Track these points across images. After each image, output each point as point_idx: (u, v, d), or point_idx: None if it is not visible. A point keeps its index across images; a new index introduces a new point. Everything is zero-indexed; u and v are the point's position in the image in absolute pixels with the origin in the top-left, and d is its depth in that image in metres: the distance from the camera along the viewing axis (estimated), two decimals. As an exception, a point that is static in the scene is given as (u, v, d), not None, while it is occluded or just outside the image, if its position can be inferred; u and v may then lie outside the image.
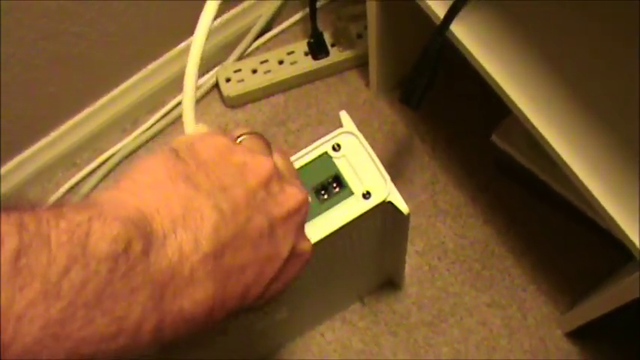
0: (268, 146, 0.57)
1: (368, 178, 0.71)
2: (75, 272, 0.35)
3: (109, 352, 0.38)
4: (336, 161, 0.72)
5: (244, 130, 0.56)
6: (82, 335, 0.36)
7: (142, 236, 0.40)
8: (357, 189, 0.71)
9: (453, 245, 1.18)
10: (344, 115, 0.74)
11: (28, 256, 0.34)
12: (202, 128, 0.57)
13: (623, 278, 0.84)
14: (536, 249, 1.15)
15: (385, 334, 1.14)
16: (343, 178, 0.71)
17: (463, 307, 1.14)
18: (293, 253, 0.52)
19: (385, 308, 1.15)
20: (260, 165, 0.51)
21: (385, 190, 0.70)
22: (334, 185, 0.71)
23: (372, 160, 0.72)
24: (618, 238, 0.75)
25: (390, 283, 1.14)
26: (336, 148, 0.72)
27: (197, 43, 0.62)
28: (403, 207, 0.71)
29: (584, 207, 1.01)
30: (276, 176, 0.52)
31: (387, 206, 0.71)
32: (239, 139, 0.55)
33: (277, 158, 0.56)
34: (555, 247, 1.15)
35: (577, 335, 1.09)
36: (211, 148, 0.50)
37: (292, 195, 0.53)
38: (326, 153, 0.72)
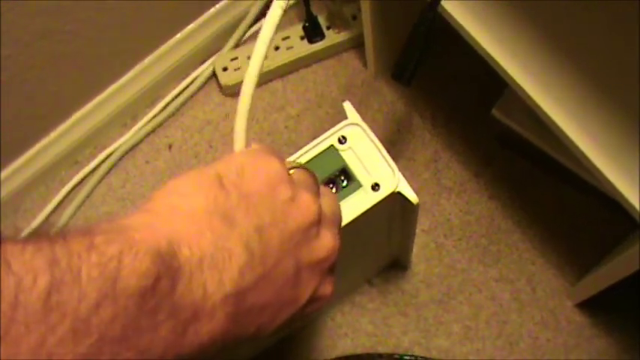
0: (317, 184, 0.56)
1: (376, 170, 0.71)
2: (104, 308, 0.35)
3: None
4: (343, 154, 0.72)
5: (296, 163, 0.55)
6: None
7: (170, 272, 0.39)
8: (366, 181, 0.71)
9: (458, 222, 1.18)
10: (348, 107, 0.74)
11: (60, 293, 0.33)
12: (253, 145, 0.53)
13: (630, 247, 0.84)
14: (543, 221, 1.16)
15: (395, 315, 1.14)
16: (351, 171, 0.71)
17: (472, 283, 1.14)
18: (312, 298, 0.51)
19: (394, 288, 1.15)
20: (306, 207, 0.49)
21: (394, 180, 0.70)
22: (342, 178, 0.71)
23: (379, 150, 0.72)
24: (624, 206, 0.76)
25: (397, 263, 1.15)
26: (342, 140, 0.72)
27: (255, 63, 0.55)
28: (412, 197, 0.71)
29: (588, 176, 1.01)
30: (317, 221, 0.51)
31: (396, 196, 0.71)
32: (291, 170, 0.52)
33: (324, 201, 0.54)
34: (562, 219, 1.15)
35: (588, 306, 1.10)
36: (262, 176, 0.48)
37: (327, 244, 0.51)
38: (332, 146, 0.72)
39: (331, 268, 0.53)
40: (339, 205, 0.58)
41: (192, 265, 0.41)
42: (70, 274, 0.34)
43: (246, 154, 0.51)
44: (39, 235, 0.36)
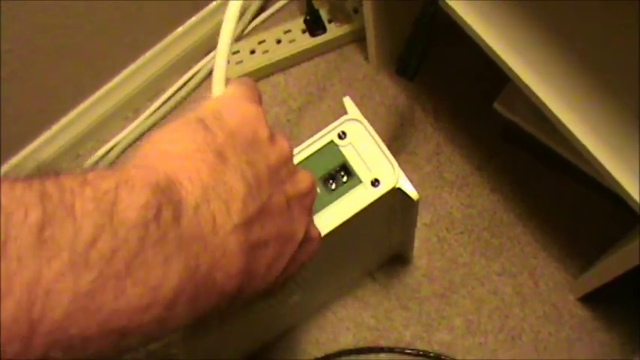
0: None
1: (376, 165, 0.71)
2: (103, 241, 0.34)
3: (143, 324, 0.37)
4: (343, 149, 0.72)
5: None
6: (113, 307, 0.35)
7: (172, 203, 0.39)
8: (366, 177, 0.70)
9: (460, 215, 1.18)
10: (348, 102, 0.74)
11: (53, 226, 0.33)
12: (230, 86, 0.54)
13: (632, 241, 0.84)
14: (546, 215, 1.15)
15: (397, 309, 1.14)
16: (351, 167, 0.71)
17: (474, 277, 1.14)
18: (306, 238, 0.52)
19: (395, 282, 1.15)
20: (282, 143, 0.51)
21: (394, 176, 0.70)
22: (342, 174, 0.71)
23: (379, 146, 0.71)
24: (626, 200, 0.76)
25: (399, 257, 1.15)
26: (342, 136, 0.72)
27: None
28: (412, 193, 0.71)
29: (591, 170, 1.01)
30: (292, 157, 0.52)
31: (396, 192, 0.71)
32: None
33: None
34: (565, 212, 1.15)
35: (590, 299, 1.10)
36: (239, 116, 0.48)
37: (305, 177, 0.53)
38: (332, 142, 0.72)
39: (311, 206, 0.54)
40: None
41: (196, 196, 0.41)
42: (63, 208, 0.34)
43: (223, 98, 0.52)
44: (29, 174, 0.35)
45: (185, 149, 0.44)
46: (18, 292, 0.31)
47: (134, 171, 0.39)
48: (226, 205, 0.43)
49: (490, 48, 0.81)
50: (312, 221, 0.55)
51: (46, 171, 0.36)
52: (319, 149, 0.72)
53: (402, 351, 1.11)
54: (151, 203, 0.37)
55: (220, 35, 0.55)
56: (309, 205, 0.54)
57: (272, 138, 0.50)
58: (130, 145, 1.27)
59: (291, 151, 0.52)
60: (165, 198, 0.38)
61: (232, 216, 0.43)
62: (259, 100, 0.53)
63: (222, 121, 0.47)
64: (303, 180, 0.52)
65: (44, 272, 0.32)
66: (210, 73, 1.30)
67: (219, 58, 0.55)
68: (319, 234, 0.56)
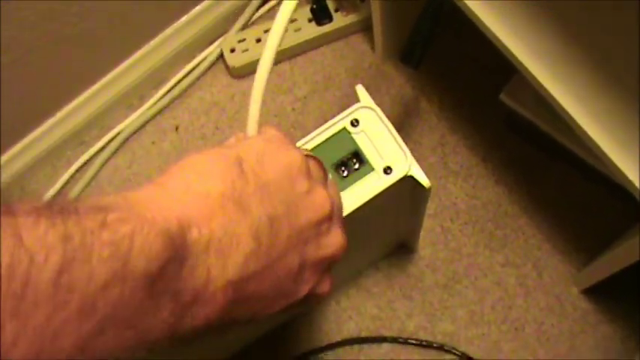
0: (326, 175, 0.56)
1: (388, 153, 0.71)
2: (112, 289, 0.35)
3: (124, 358, 0.38)
4: (355, 137, 0.71)
5: (309, 152, 0.55)
6: (106, 347, 0.36)
7: (178, 255, 0.40)
8: (378, 164, 0.70)
9: (465, 206, 1.18)
10: (360, 90, 0.74)
11: (71, 272, 0.33)
12: (270, 131, 0.54)
13: (637, 234, 0.84)
14: (550, 207, 1.15)
15: (400, 299, 1.14)
16: (363, 154, 0.71)
17: (477, 267, 1.14)
18: (309, 294, 0.51)
19: (399, 272, 1.15)
20: (320, 202, 0.50)
21: (406, 164, 0.70)
22: (354, 161, 0.71)
23: (392, 134, 0.71)
24: (631, 193, 0.76)
25: (403, 246, 1.15)
26: (355, 123, 0.72)
27: (274, 35, 0.59)
28: (425, 181, 0.71)
29: (596, 162, 1.01)
30: (330, 217, 0.51)
31: (408, 180, 0.71)
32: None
33: (332, 192, 0.54)
34: (569, 204, 1.15)
35: (593, 292, 1.10)
36: (282, 166, 0.48)
37: (337, 242, 0.52)
38: (344, 129, 0.72)
39: (332, 266, 0.54)
40: (340, 197, 0.59)
41: (199, 247, 0.41)
42: (82, 252, 0.34)
43: (267, 140, 0.51)
44: (51, 206, 0.35)
45: (209, 189, 0.44)
46: (30, 335, 0.32)
47: (150, 214, 0.39)
48: (224, 260, 0.43)
49: (497, 38, 0.80)
50: (327, 276, 0.54)
51: (67, 204, 0.36)
52: (332, 136, 0.72)
53: (405, 341, 1.11)
54: (162, 255, 0.38)
55: (256, 75, 0.55)
56: (329, 266, 0.53)
57: (311, 192, 0.49)
58: (134, 133, 1.26)
59: (331, 207, 0.51)
60: (174, 249, 0.39)
61: (228, 271, 0.43)
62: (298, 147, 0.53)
63: (261, 168, 0.47)
64: (334, 244, 0.52)
65: (55, 316, 0.33)
66: (215, 62, 1.30)
67: (255, 97, 0.56)
68: (329, 289, 0.55)
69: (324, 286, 0.54)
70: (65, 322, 0.33)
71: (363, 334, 1.13)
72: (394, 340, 1.12)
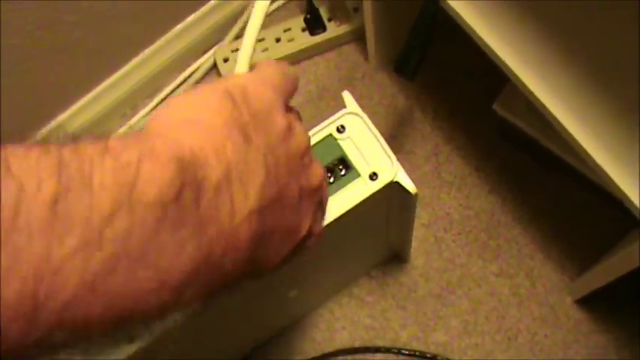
0: (299, 114, 0.55)
1: (374, 159, 0.71)
2: (119, 219, 0.32)
3: (149, 309, 0.34)
4: (341, 143, 0.71)
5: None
6: (122, 290, 0.32)
7: (195, 182, 0.36)
8: (364, 170, 0.70)
9: (458, 216, 1.17)
10: (347, 96, 0.74)
11: (68, 201, 0.30)
12: (259, 69, 0.51)
13: (630, 244, 0.84)
14: (544, 217, 1.15)
15: (393, 308, 1.14)
16: (349, 160, 0.71)
17: (471, 277, 1.14)
18: (308, 232, 0.50)
19: (392, 282, 1.15)
20: (302, 134, 0.49)
21: (392, 170, 0.70)
22: (340, 167, 0.71)
23: (378, 140, 0.71)
24: (624, 203, 0.76)
25: (397, 257, 1.14)
26: (341, 129, 0.72)
27: None
28: (410, 187, 0.70)
29: (588, 171, 1.01)
30: (309, 148, 0.50)
31: (394, 186, 0.71)
32: None
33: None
34: (563, 214, 1.15)
35: (587, 302, 1.09)
36: (264, 99, 0.46)
37: (319, 172, 0.51)
38: (330, 135, 0.72)
39: (322, 202, 0.53)
40: None
41: (218, 174, 0.39)
42: (80, 180, 0.31)
43: (250, 76, 0.49)
44: (46, 139, 0.32)
45: (211, 121, 0.42)
46: (25, 270, 0.29)
47: (159, 141, 0.36)
48: (245, 188, 0.40)
49: (490, 48, 0.81)
50: (320, 218, 0.53)
51: (65, 136, 0.33)
52: (318, 142, 0.72)
53: (398, 351, 1.11)
54: (174, 182, 0.35)
55: (253, 11, 0.54)
56: (318, 200, 0.52)
57: (290, 127, 0.48)
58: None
59: (309, 141, 0.50)
60: (189, 176, 0.36)
61: (250, 199, 0.40)
62: (289, 88, 0.51)
63: (248, 100, 0.45)
64: (316, 175, 0.50)
65: (54, 250, 0.30)
66: (208, 71, 1.30)
67: (249, 36, 0.53)
68: (322, 232, 0.54)
69: (319, 225, 0.53)
70: (68, 256, 0.30)
71: (357, 344, 1.12)
72: (387, 350, 1.11)
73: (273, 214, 0.43)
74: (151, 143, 0.35)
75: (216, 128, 0.41)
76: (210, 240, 0.37)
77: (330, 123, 0.72)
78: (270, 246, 0.45)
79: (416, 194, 0.71)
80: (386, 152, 0.71)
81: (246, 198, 0.40)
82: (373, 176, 0.70)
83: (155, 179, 0.34)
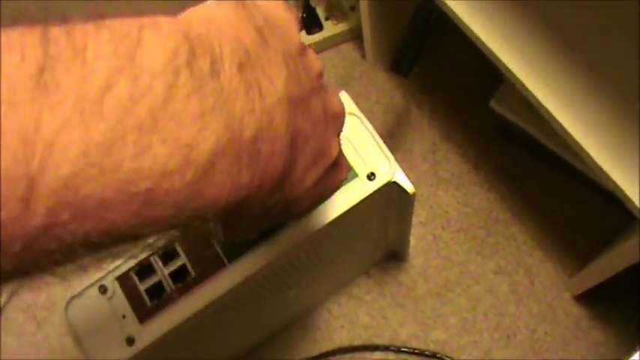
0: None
1: (371, 159, 0.71)
2: (121, 87, 0.28)
3: (173, 191, 0.30)
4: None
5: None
6: (135, 165, 0.29)
7: (209, 54, 0.33)
8: (361, 170, 0.70)
9: (456, 214, 1.18)
10: (344, 96, 0.73)
11: (56, 70, 0.27)
12: None
13: (628, 240, 0.84)
14: (542, 213, 1.15)
15: (392, 307, 1.14)
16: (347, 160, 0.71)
17: (469, 275, 1.14)
18: (337, 161, 0.47)
19: (391, 280, 1.15)
20: (317, 57, 0.45)
21: (390, 170, 0.70)
22: (338, 168, 0.71)
23: (375, 140, 0.71)
24: (622, 199, 0.76)
25: (395, 255, 1.14)
26: None
27: None
28: (408, 187, 0.70)
29: (586, 169, 1.01)
30: (323, 72, 0.45)
31: (392, 186, 0.71)
32: None
33: None
34: (561, 211, 1.15)
35: (586, 298, 1.10)
36: (279, 14, 0.42)
37: (338, 100, 0.47)
38: None
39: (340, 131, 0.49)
40: None
41: (240, 56, 0.35)
42: (71, 50, 0.28)
43: None
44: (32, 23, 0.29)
45: (226, 17, 0.37)
46: (10, 141, 0.25)
47: (162, 18, 0.32)
48: (269, 74, 0.36)
49: (486, 46, 0.81)
50: (341, 150, 0.49)
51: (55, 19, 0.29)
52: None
53: (397, 349, 1.11)
54: (182, 47, 0.31)
55: None
56: (340, 128, 0.48)
57: (305, 47, 0.44)
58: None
59: (323, 66, 0.45)
60: (201, 46, 0.32)
61: (277, 86, 0.36)
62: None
63: (261, 9, 0.41)
64: (338, 102, 0.47)
65: (45, 120, 0.26)
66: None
67: None
68: (348, 165, 0.54)
69: (344, 158, 0.51)
70: (62, 127, 0.27)
71: (355, 343, 1.13)
72: (386, 348, 1.11)
73: (303, 115, 0.40)
74: (153, 18, 0.32)
75: (231, 24, 0.37)
76: (239, 116, 0.33)
77: (328, 123, 0.72)
78: (305, 155, 0.42)
79: (414, 194, 0.71)
80: (384, 152, 0.71)
81: (273, 83, 0.37)
82: (371, 176, 0.70)
83: (159, 46, 0.30)
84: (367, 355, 1.12)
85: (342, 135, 0.70)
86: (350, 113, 0.72)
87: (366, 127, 0.72)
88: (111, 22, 0.30)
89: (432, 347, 1.11)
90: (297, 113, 0.39)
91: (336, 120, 0.46)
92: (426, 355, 1.10)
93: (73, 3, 1.04)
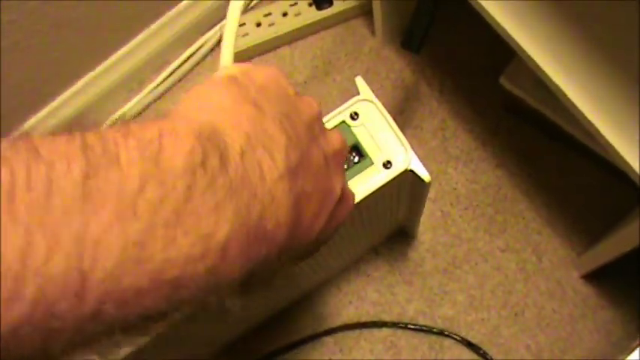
0: None
1: (388, 147, 0.70)
2: (150, 190, 0.33)
3: (196, 275, 0.35)
4: (355, 130, 0.71)
5: None
6: (165, 257, 0.33)
7: (218, 149, 0.38)
8: (378, 158, 0.70)
9: (465, 191, 1.18)
10: (360, 82, 0.73)
11: (98, 177, 0.32)
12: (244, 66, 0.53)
13: (637, 218, 0.84)
14: (550, 191, 1.16)
15: (400, 283, 1.14)
16: (363, 148, 0.70)
17: (477, 252, 1.15)
18: (342, 196, 0.51)
19: (399, 257, 1.16)
20: (311, 101, 0.50)
21: (406, 158, 0.70)
22: (354, 155, 0.71)
23: (391, 127, 0.71)
24: (631, 177, 0.76)
25: (404, 232, 1.15)
26: (354, 116, 0.71)
27: None
28: (425, 175, 0.70)
29: (596, 146, 1.01)
30: (320, 114, 0.51)
31: (408, 174, 0.71)
32: None
33: None
34: (569, 188, 1.15)
35: (594, 276, 1.10)
36: (267, 74, 0.48)
37: (337, 136, 0.52)
38: (344, 122, 0.71)
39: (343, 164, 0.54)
40: None
41: (241, 143, 0.40)
42: (107, 158, 0.33)
43: (243, 64, 0.51)
44: (69, 129, 0.34)
45: (222, 103, 0.43)
46: (67, 245, 0.30)
47: (176, 121, 0.37)
48: (270, 154, 0.42)
49: (497, 22, 0.80)
50: (345, 182, 0.54)
51: (85, 126, 0.34)
52: (331, 129, 0.71)
53: (405, 326, 1.12)
54: (197, 150, 0.36)
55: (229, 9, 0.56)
56: (342, 163, 0.53)
57: (298, 95, 0.50)
58: (134, 118, 1.26)
59: (320, 108, 0.51)
60: (211, 144, 0.37)
61: (277, 163, 0.42)
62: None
63: (251, 77, 0.47)
64: (336, 138, 0.52)
65: (92, 224, 0.31)
66: (215, 45, 1.30)
67: (228, 31, 0.56)
68: (353, 194, 0.56)
69: (348, 190, 0.54)
70: (105, 229, 0.31)
71: (363, 319, 1.13)
72: (394, 325, 1.12)
73: (305, 176, 0.45)
74: (169, 123, 0.37)
75: (228, 107, 0.43)
76: (245, 203, 0.38)
77: (344, 110, 0.72)
78: (310, 208, 0.46)
79: (430, 182, 0.71)
80: (400, 140, 0.70)
81: (274, 161, 0.41)
82: (387, 164, 0.70)
83: (178, 150, 0.35)
84: (375, 331, 1.13)
85: (359, 121, 0.71)
86: (366, 100, 0.72)
87: (383, 114, 0.71)
88: (135, 130, 0.35)
89: (439, 324, 1.12)
90: (298, 178, 0.44)
91: (337, 157, 0.51)
92: (434, 332, 1.11)
93: (72, 3, 1.04)
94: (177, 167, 0.35)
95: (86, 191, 0.31)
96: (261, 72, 0.48)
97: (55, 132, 0.33)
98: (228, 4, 1.26)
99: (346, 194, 0.53)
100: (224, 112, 0.42)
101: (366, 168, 0.70)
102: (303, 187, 0.44)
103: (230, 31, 0.57)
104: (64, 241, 0.30)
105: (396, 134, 0.71)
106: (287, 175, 0.42)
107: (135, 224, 0.32)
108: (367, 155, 0.70)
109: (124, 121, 0.36)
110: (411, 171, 0.70)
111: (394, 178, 0.70)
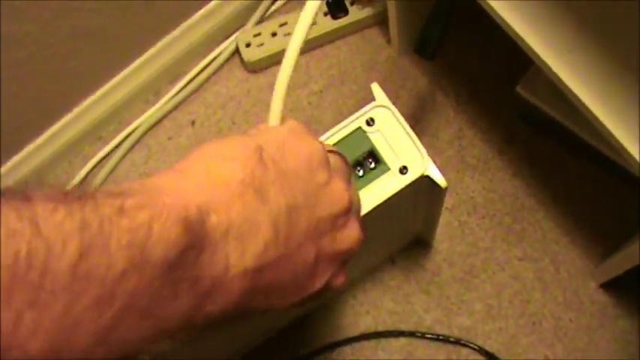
0: (350, 172, 0.56)
1: (404, 153, 0.70)
2: (130, 278, 0.35)
3: (144, 351, 0.38)
4: (371, 136, 0.71)
5: (332, 147, 0.55)
6: (124, 337, 0.36)
7: (197, 242, 0.39)
8: (394, 164, 0.70)
9: (482, 200, 1.17)
10: (376, 88, 0.73)
11: (88, 260, 0.33)
12: (292, 122, 0.54)
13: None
14: (568, 200, 1.15)
15: (417, 293, 1.14)
16: (379, 154, 0.71)
17: (495, 261, 1.14)
18: (324, 287, 0.51)
19: (416, 266, 1.15)
20: (339, 195, 0.50)
21: (422, 164, 0.70)
22: (370, 161, 0.71)
23: (408, 133, 0.71)
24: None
25: (420, 241, 1.14)
26: (370, 122, 0.71)
27: (298, 34, 0.58)
28: (441, 181, 0.70)
29: (614, 155, 1.01)
30: (347, 210, 0.51)
31: (424, 180, 0.71)
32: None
33: (353, 190, 0.54)
34: (587, 198, 1.14)
35: (612, 286, 1.09)
36: (303, 156, 0.48)
37: (353, 236, 0.52)
38: (360, 128, 0.72)
39: (349, 260, 0.53)
40: (359, 196, 0.59)
41: (218, 234, 0.41)
42: (100, 239, 0.34)
43: (288, 130, 0.51)
44: (69, 193, 0.35)
45: (229, 176, 0.44)
46: (49, 327, 0.32)
47: (169, 200, 0.38)
48: (242, 247, 0.42)
49: (513, 30, 0.80)
50: (342, 270, 0.54)
51: (84, 192, 0.36)
52: (347, 135, 0.72)
53: (422, 335, 1.11)
54: (180, 242, 0.37)
55: (283, 63, 0.55)
56: (345, 260, 0.53)
57: (330, 184, 0.49)
58: (151, 128, 1.26)
59: (349, 201, 0.51)
60: (193, 236, 0.39)
61: (246, 258, 0.43)
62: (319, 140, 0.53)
63: (282, 157, 0.47)
64: (351, 238, 0.51)
65: (74, 306, 0.33)
66: (230, 56, 1.30)
67: (279, 89, 0.55)
68: (343, 283, 0.55)
69: (339, 280, 0.54)
70: (84, 312, 0.33)
71: (380, 329, 1.13)
72: (411, 334, 1.12)
73: (277, 273, 0.46)
74: (161, 202, 0.38)
75: (231, 185, 0.43)
76: (202, 292, 0.40)
77: (360, 116, 0.72)
78: (272, 297, 0.47)
79: (446, 188, 0.71)
80: (416, 145, 0.70)
81: (242, 256, 0.42)
82: (403, 170, 0.70)
83: (163, 240, 0.37)
84: (392, 340, 1.12)
85: (375, 127, 0.71)
86: (382, 106, 0.72)
87: (398, 120, 0.72)
88: (130, 208, 0.36)
89: (456, 333, 1.11)
90: (267, 273, 0.45)
91: (336, 256, 0.52)
92: (451, 342, 1.11)
93: (88, 14, 1.05)
94: (157, 257, 0.36)
95: (76, 275, 0.33)
96: (299, 151, 0.48)
97: (57, 196, 0.34)
98: (242, 15, 1.27)
99: (331, 285, 0.53)
100: (225, 188, 0.43)
101: (382, 174, 0.70)
102: (268, 283, 0.45)
103: (281, 87, 0.56)
104: (47, 320, 0.32)
105: (413, 140, 0.71)
106: (252, 272, 0.43)
107: (109, 310, 0.34)
108: (383, 161, 0.70)
109: (122, 192, 0.37)
110: (428, 176, 0.70)
111: (410, 184, 0.70)
